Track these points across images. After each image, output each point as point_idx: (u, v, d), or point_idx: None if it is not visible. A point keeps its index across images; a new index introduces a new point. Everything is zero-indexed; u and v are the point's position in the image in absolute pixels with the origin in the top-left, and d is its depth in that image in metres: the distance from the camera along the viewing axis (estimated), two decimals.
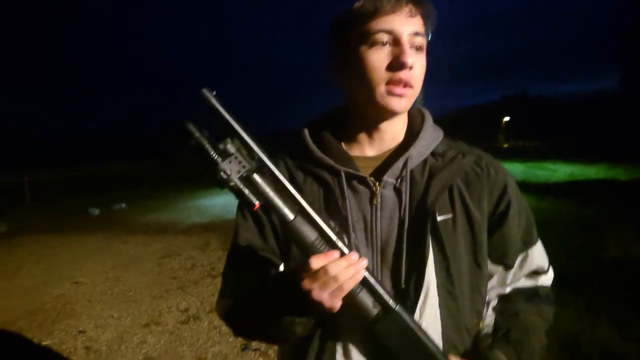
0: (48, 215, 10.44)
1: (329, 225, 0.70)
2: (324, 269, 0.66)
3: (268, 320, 0.79)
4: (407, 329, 0.73)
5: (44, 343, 3.54)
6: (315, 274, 0.66)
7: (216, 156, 0.66)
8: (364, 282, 0.71)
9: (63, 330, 3.77)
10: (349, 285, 0.67)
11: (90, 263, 5.88)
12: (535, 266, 0.93)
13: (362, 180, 0.83)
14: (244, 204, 0.67)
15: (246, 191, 0.67)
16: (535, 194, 8.50)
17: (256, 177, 0.67)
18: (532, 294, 0.93)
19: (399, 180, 0.83)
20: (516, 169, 11.69)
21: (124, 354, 3.31)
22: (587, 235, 5.34)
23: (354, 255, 0.68)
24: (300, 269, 0.68)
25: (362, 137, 0.87)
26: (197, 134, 0.66)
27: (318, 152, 0.86)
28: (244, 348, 3.28)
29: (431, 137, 0.87)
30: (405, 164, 0.83)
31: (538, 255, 0.93)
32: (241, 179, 0.66)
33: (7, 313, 4.15)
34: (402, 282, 0.81)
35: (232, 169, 0.66)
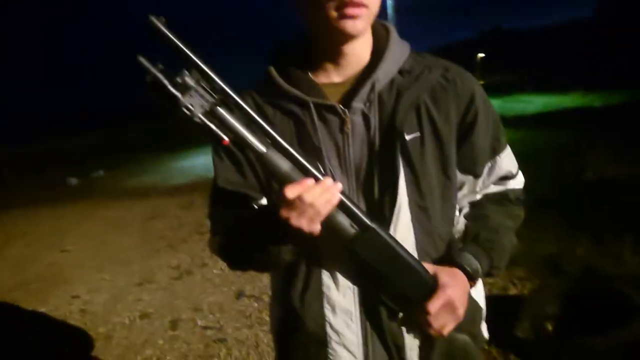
0: (28, 188, 10.23)
1: (301, 154, 0.70)
2: (299, 197, 0.68)
3: (257, 251, 0.84)
4: (385, 244, 0.76)
5: (40, 311, 3.57)
6: (291, 203, 0.68)
7: (174, 90, 0.62)
8: (341, 205, 0.72)
9: (57, 297, 3.80)
10: (326, 210, 0.70)
11: (76, 231, 5.84)
12: (504, 172, 0.94)
13: (332, 109, 0.82)
14: (212, 139, 0.66)
15: (213, 126, 0.64)
16: (512, 127, 8.59)
17: (222, 110, 0.65)
18: (501, 198, 0.96)
19: (367, 105, 0.83)
20: (493, 105, 11.78)
21: (120, 313, 3.36)
22: (564, 161, 5.47)
23: (329, 181, 0.70)
24: (278, 199, 0.70)
25: (327, 63, 0.85)
26: (151, 67, 0.61)
27: (285, 85, 0.84)
28: (239, 296, 3.36)
29: (397, 54, 0.85)
30: (372, 87, 0.82)
31: (506, 161, 0.94)
32: (206, 113, 0.64)
33: (0, 286, 4.14)
34: (377, 203, 0.84)
35: (194, 104, 0.63)
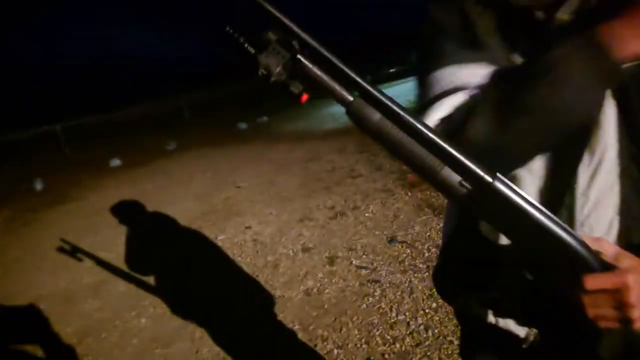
0: (204, 131, 11.76)
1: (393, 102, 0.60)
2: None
3: None
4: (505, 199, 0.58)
5: (219, 238, 4.17)
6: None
7: (251, 48, 0.60)
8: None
9: (233, 227, 4.38)
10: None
11: (247, 170, 6.57)
12: None
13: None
14: (290, 97, 0.61)
15: (290, 83, 0.61)
16: None
17: (304, 62, 0.60)
18: None
19: (573, 17, 0.67)
20: None
21: (285, 245, 3.73)
22: None
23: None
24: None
25: None
26: (231, 31, 0.61)
27: None
28: (391, 240, 3.42)
29: None
30: None
31: None
32: (285, 67, 0.60)
33: (187, 214, 4.95)
34: (570, 144, 0.68)
35: (272, 61, 0.60)
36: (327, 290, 2.91)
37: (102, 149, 11.29)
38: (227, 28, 0.62)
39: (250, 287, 3.20)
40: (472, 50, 0.70)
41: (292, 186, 5.33)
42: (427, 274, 2.81)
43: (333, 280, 3.01)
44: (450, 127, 0.65)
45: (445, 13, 0.74)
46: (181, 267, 3.69)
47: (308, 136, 8.54)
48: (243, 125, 11.64)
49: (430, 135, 0.58)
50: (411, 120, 0.58)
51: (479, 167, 0.57)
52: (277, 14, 0.60)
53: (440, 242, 3.30)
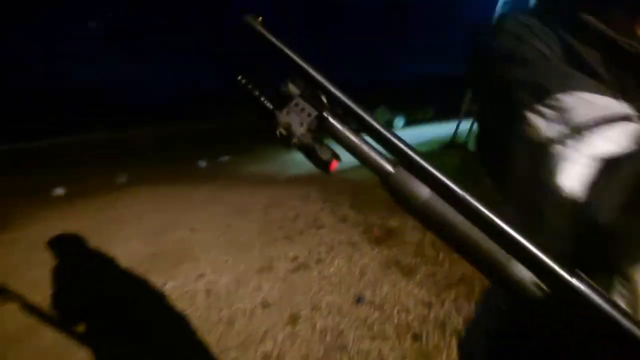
0: (161, 166, 11.30)
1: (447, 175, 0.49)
2: None
3: None
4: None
5: (168, 285, 3.79)
6: None
7: (271, 105, 0.53)
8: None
9: (184, 274, 4.00)
10: None
11: (203, 211, 6.22)
12: None
13: None
14: (316, 163, 0.52)
15: (316, 146, 0.51)
16: None
17: (331, 120, 0.51)
18: None
19: None
20: None
21: (242, 299, 3.42)
22: None
23: None
24: None
25: None
26: (243, 81, 0.54)
27: (594, 20, 0.63)
28: (358, 300, 3.20)
29: None
30: None
31: None
32: (309, 128, 0.52)
33: (134, 255, 4.53)
34: None
35: (294, 120, 0.52)
36: (287, 356, 2.62)
37: (46, 176, 10.57)
38: (239, 78, 0.53)
39: (200, 347, 2.85)
40: (596, 81, 0.60)
41: (252, 232, 5.04)
42: (397, 342, 2.60)
43: (295, 344, 2.72)
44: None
45: (540, 42, 0.65)
46: (121, 318, 3.27)
47: (270, 180, 8.34)
48: (203, 163, 11.31)
49: (498, 221, 0.44)
50: (471, 200, 0.45)
51: (558, 265, 0.46)
52: (301, 62, 0.50)
53: (410, 305, 3.09)
